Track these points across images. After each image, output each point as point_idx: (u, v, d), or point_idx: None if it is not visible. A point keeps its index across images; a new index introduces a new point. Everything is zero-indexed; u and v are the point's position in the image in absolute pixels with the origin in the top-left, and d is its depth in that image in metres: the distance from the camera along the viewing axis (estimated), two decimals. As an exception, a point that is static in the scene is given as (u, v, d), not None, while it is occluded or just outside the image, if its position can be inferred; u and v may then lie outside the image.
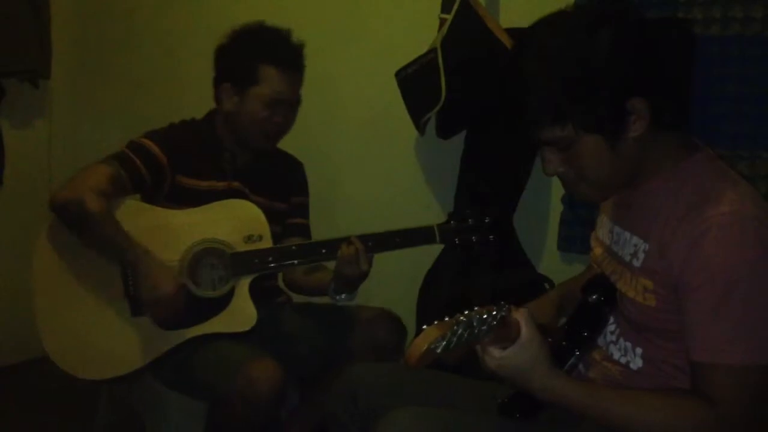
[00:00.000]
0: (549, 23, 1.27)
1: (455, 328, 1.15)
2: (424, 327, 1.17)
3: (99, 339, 1.91)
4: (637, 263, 1.30)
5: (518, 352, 1.23)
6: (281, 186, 2.17)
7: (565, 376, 1.28)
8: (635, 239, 1.32)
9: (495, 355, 1.24)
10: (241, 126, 2.04)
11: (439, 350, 1.15)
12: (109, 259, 1.90)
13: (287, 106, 2.06)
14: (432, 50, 2.30)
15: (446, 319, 1.17)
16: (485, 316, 1.18)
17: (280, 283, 2.22)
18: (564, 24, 1.26)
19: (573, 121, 1.23)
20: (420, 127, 2.41)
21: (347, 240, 1.91)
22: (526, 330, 1.23)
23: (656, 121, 1.24)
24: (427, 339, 1.15)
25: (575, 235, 2.37)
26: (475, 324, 1.17)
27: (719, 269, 1.17)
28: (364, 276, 1.92)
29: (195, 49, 2.10)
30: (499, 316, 1.19)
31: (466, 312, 1.18)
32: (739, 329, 1.18)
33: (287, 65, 2.03)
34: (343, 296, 1.99)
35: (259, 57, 2.00)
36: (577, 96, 1.21)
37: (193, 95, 2.13)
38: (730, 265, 1.17)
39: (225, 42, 2.08)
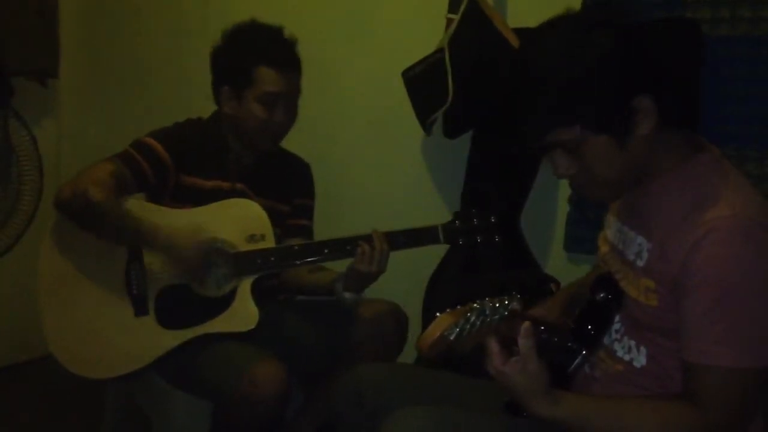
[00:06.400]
0: (552, 25, 1.28)
1: (468, 315, 1.16)
2: (438, 314, 1.17)
3: (103, 338, 1.92)
4: (640, 263, 1.30)
5: (513, 375, 1.23)
6: (285, 188, 2.16)
7: (557, 399, 1.26)
8: (640, 239, 1.32)
9: (495, 365, 1.23)
10: (244, 129, 2.04)
11: (452, 337, 1.15)
12: (121, 244, 1.91)
13: (287, 103, 2.04)
14: (439, 50, 2.30)
15: (458, 307, 1.18)
16: (497, 305, 1.18)
17: (281, 281, 2.22)
18: (566, 25, 1.26)
19: (580, 121, 1.23)
20: (426, 127, 2.41)
21: (370, 237, 1.89)
22: (522, 360, 1.22)
23: (664, 119, 1.24)
24: (440, 326, 1.15)
25: (582, 235, 2.36)
26: (488, 312, 1.17)
27: (715, 272, 1.18)
28: (378, 275, 1.91)
29: (203, 48, 2.10)
30: (510, 307, 1.19)
31: (479, 300, 1.18)
32: (730, 332, 1.18)
33: (282, 64, 2.01)
34: (350, 295, 1.98)
35: (253, 59, 1.99)
36: (583, 96, 1.21)
37: (201, 94, 2.13)
38: (726, 268, 1.17)
39: (220, 44, 2.07)
